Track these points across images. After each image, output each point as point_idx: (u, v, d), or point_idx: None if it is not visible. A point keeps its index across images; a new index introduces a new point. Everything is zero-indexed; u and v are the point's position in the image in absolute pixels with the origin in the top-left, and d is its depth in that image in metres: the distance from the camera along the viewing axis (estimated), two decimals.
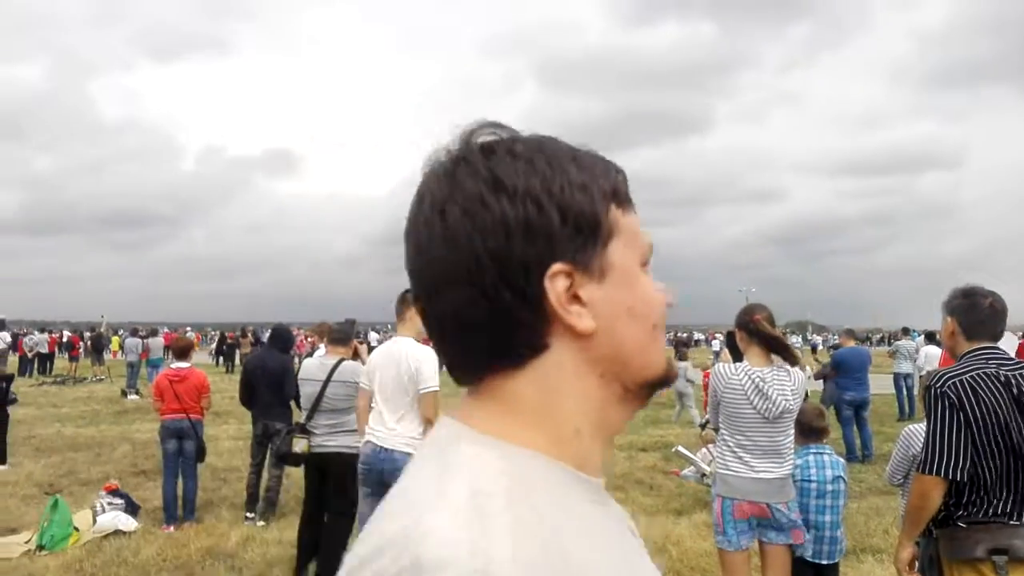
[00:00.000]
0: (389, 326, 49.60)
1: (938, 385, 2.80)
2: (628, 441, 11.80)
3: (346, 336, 5.81)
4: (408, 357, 4.40)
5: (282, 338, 8.04)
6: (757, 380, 3.58)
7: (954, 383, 2.77)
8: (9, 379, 10.22)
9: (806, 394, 3.95)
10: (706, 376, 15.34)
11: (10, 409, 10.06)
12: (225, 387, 18.30)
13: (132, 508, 7.16)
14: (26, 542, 6.39)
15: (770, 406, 3.55)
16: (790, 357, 3.70)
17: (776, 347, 3.69)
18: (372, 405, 4.54)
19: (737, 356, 3.93)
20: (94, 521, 6.82)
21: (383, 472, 4.27)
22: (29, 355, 26.04)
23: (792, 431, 3.69)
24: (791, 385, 3.61)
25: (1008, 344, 10.07)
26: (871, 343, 50.21)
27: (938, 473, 2.72)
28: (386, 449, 4.33)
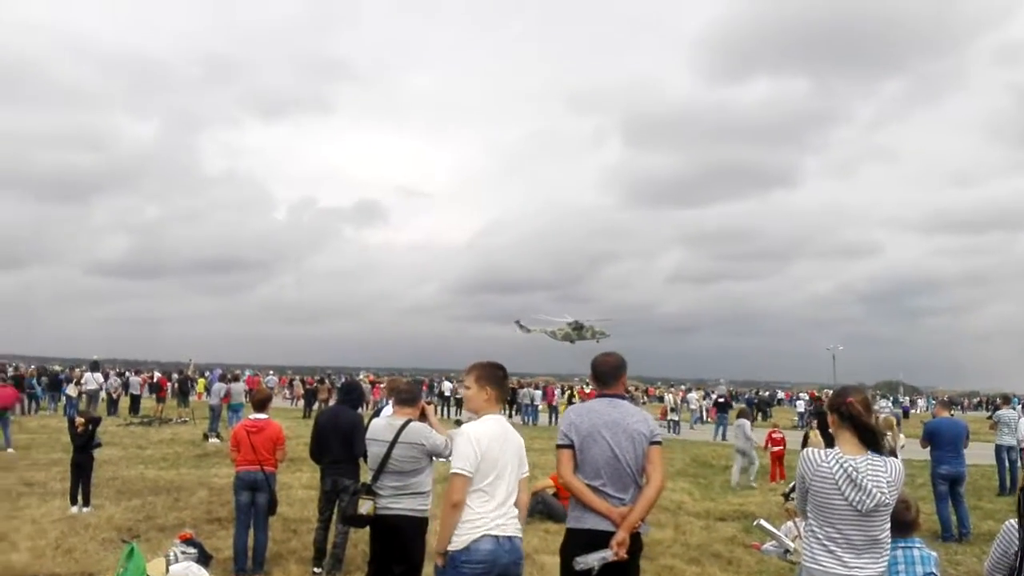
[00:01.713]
0: (464, 375, 49.79)
1: None
2: (705, 509, 11.38)
3: (414, 397, 5.77)
4: (517, 437, 4.22)
5: (352, 393, 8.08)
6: (850, 469, 3.32)
7: None
8: (96, 422, 10.57)
9: None
10: (771, 435, 15.09)
11: (95, 452, 10.40)
12: (302, 433, 18.55)
13: (204, 558, 7.23)
14: None
15: (864, 498, 3.28)
16: (876, 447, 3.43)
17: (866, 437, 3.43)
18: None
19: (828, 439, 3.68)
20: (167, 570, 6.90)
21: (507, 567, 3.95)
22: (114, 396, 26.84)
23: (888, 525, 3.41)
24: (887, 476, 3.34)
25: None
26: (965, 408, 47.67)
27: None
28: (510, 538, 3.98)
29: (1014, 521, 3.73)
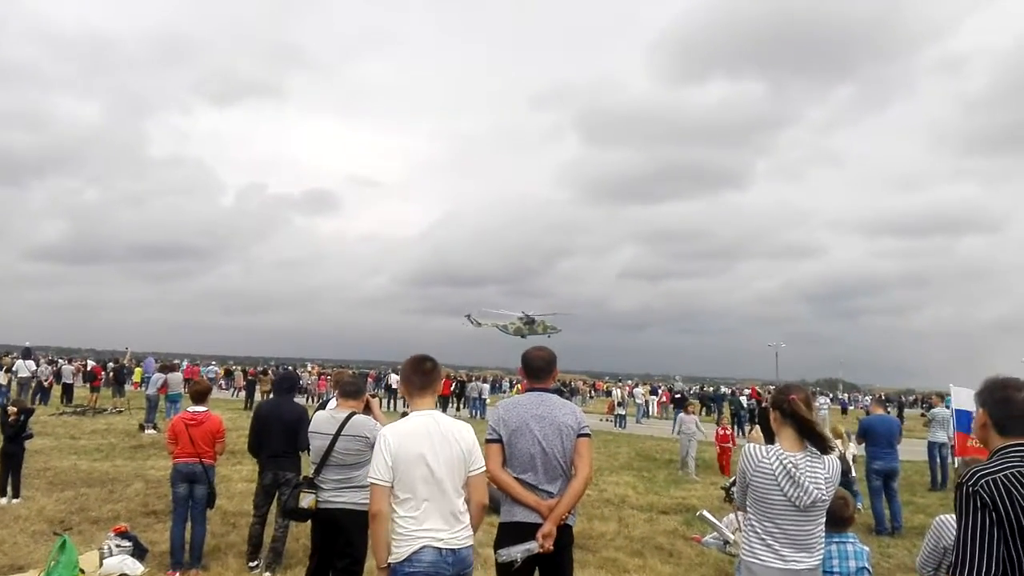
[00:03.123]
0: None
1: (970, 484, 2.64)
2: (649, 502, 11.52)
3: (358, 389, 5.70)
4: (457, 433, 3.79)
5: (286, 383, 7.94)
6: (789, 466, 3.38)
7: (986, 482, 2.62)
8: (29, 413, 10.22)
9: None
10: (721, 431, 15.53)
11: (27, 442, 10.05)
12: (243, 425, 18.21)
13: (140, 551, 7.05)
14: None
15: (801, 495, 3.34)
16: (822, 446, 3.49)
17: (808, 433, 3.49)
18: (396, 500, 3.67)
19: (769, 436, 3.72)
20: (100, 563, 6.72)
21: None
22: (45, 384, 25.91)
23: (823, 521, 3.48)
24: (824, 473, 3.41)
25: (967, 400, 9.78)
26: (903, 405, 49.24)
27: None
28: (453, 551, 3.62)
29: (946, 516, 3.84)
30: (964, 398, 10.31)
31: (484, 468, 3.89)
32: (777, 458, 3.41)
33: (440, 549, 3.60)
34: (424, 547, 3.59)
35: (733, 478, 11.73)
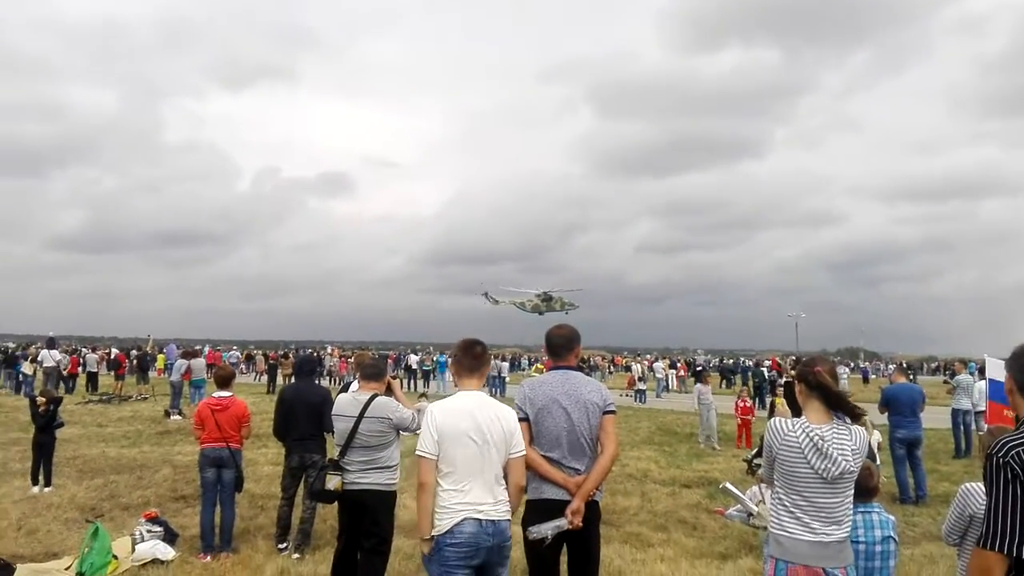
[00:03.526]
0: (431, 347, 49.73)
1: (1000, 454, 2.60)
2: (671, 476, 11.55)
3: (380, 372, 5.74)
4: (501, 414, 3.96)
5: (307, 366, 7.98)
6: (816, 438, 3.36)
7: (1016, 453, 2.58)
8: (58, 402, 10.37)
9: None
10: (741, 404, 15.58)
11: (57, 431, 10.21)
12: (267, 408, 18.40)
13: (171, 536, 7.16)
14: (67, 568, 6.43)
15: (829, 466, 3.33)
16: (851, 413, 3.48)
17: (835, 403, 3.47)
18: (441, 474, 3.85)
19: (795, 409, 3.70)
20: (133, 549, 6.83)
21: (491, 550, 3.80)
22: (64, 372, 26.08)
23: (852, 492, 3.46)
24: (852, 444, 3.39)
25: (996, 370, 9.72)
26: (923, 372, 48.92)
27: (1000, 549, 2.54)
28: (494, 522, 3.80)
29: (972, 484, 3.82)
30: (997, 368, 10.23)
31: (524, 452, 3.99)
32: (804, 431, 3.40)
33: (480, 520, 3.77)
34: (466, 519, 3.75)
35: (755, 450, 11.81)
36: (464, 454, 3.81)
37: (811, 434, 3.38)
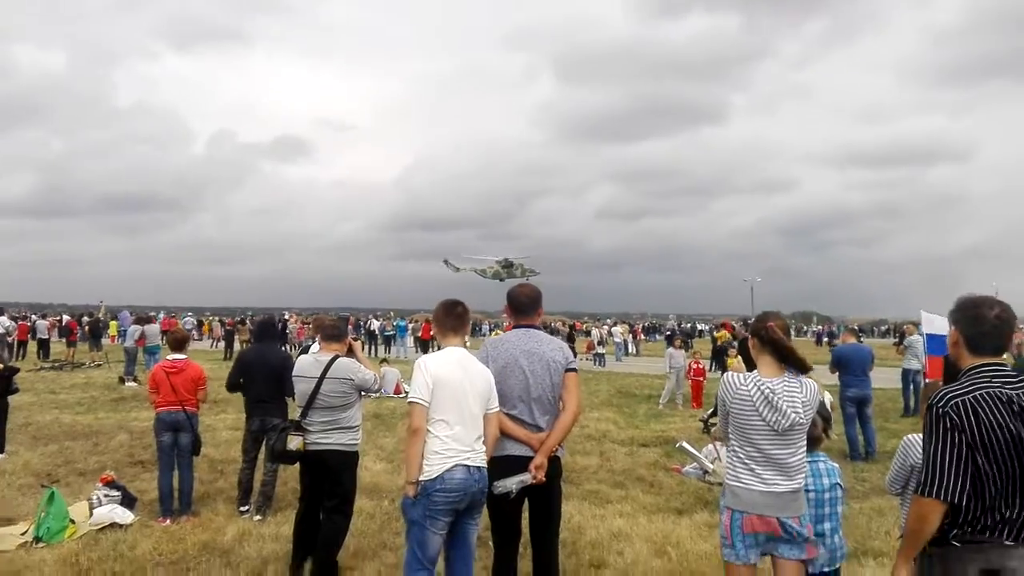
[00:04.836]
0: (391, 312, 49.54)
1: (940, 404, 2.71)
2: (629, 436, 11.76)
3: (340, 333, 5.72)
4: (484, 372, 4.18)
5: (269, 330, 7.90)
6: (766, 391, 3.46)
7: (956, 403, 2.69)
8: (13, 371, 10.14)
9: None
10: (691, 364, 15.96)
11: (10, 397, 10.00)
12: (223, 375, 18.21)
13: (129, 500, 7.10)
14: (23, 534, 6.34)
15: (779, 418, 3.44)
16: (801, 366, 3.58)
17: (785, 357, 3.57)
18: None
19: (750, 365, 3.79)
20: (90, 513, 6.76)
21: (475, 495, 3.99)
22: (9, 340, 25.40)
23: (804, 445, 3.58)
24: (802, 396, 3.49)
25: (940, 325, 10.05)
26: (873, 335, 50.16)
27: (937, 496, 2.66)
28: (479, 468, 3.99)
29: (914, 436, 3.96)
30: (936, 323, 10.52)
31: (498, 408, 4.13)
32: (755, 384, 3.50)
33: (469, 467, 3.94)
34: (456, 465, 3.91)
35: (711, 410, 12.05)
36: (455, 403, 3.97)
37: (762, 387, 3.48)
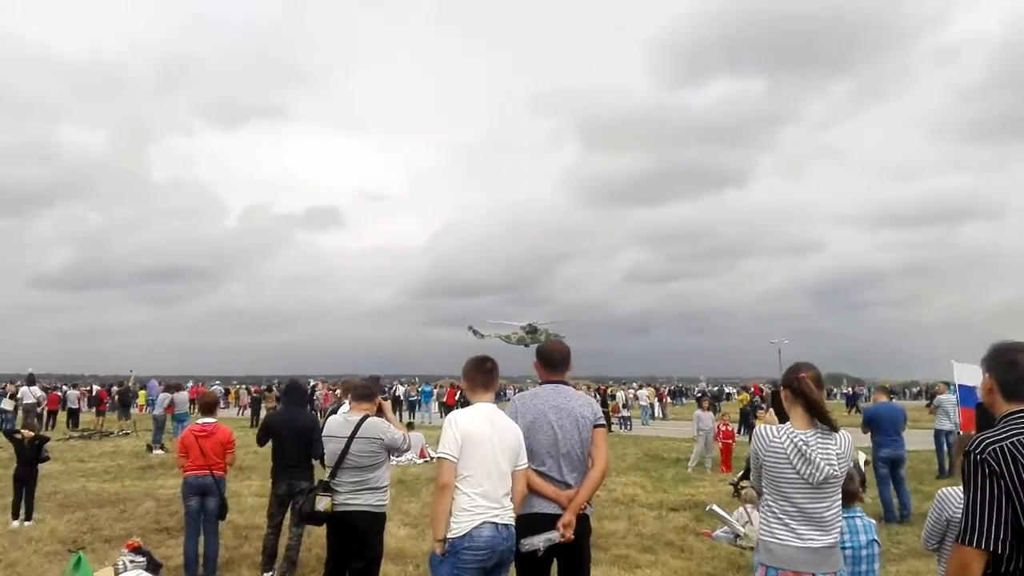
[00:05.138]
0: (416, 378, 49.45)
1: (977, 451, 2.66)
2: (658, 500, 11.55)
3: (370, 393, 5.76)
4: (514, 428, 4.15)
5: (295, 392, 7.94)
6: (800, 443, 3.39)
7: (993, 450, 2.63)
8: (44, 440, 10.26)
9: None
10: (720, 427, 15.77)
11: (40, 466, 10.09)
12: (250, 442, 18.18)
13: (154, 566, 7.08)
14: None
15: (813, 471, 3.35)
16: (829, 425, 3.48)
17: (814, 411, 3.49)
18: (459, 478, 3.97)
19: (783, 417, 3.72)
20: None
21: (503, 553, 3.93)
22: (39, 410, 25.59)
23: (839, 498, 3.50)
24: (836, 448, 3.43)
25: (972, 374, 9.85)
26: (905, 397, 49.08)
27: (978, 545, 2.59)
28: (507, 526, 3.94)
29: (949, 489, 3.88)
30: (967, 373, 10.34)
31: (526, 465, 4.11)
32: (788, 436, 3.44)
33: (497, 524, 3.90)
34: (484, 523, 3.87)
35: (740, 473, 11.84)
36: (484, 459, 3.94)
37: (795, 439, 3.43)
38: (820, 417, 3.51)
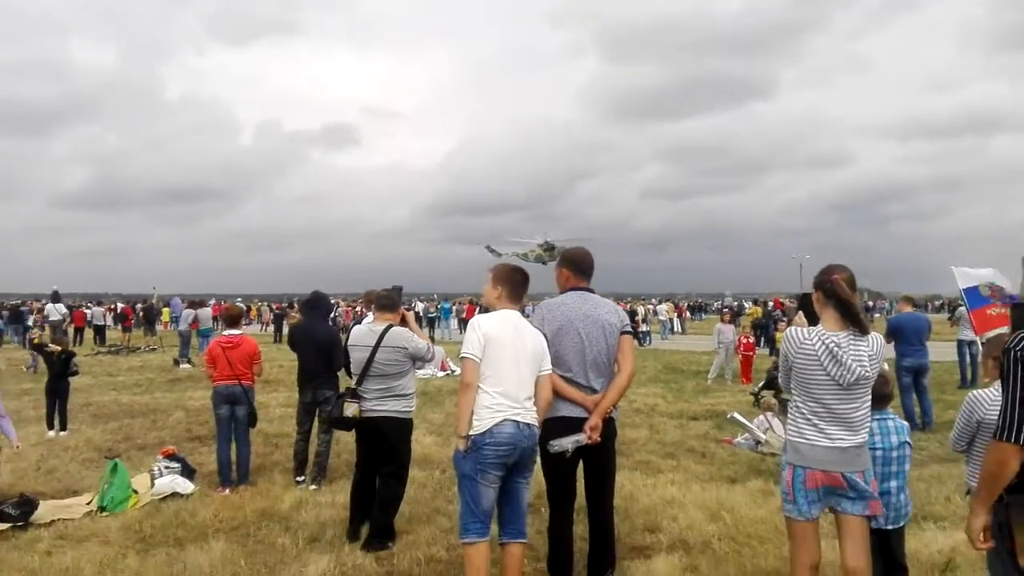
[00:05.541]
0: (435, 295, 49.82)
1: (1018, 348, 2.61)
2: (679, 410, 11.67)
3: (394, 303, 5.76)
4: (537, 334, 4.17)
5: (318, 305, 7.99)
6: (831, 345, 3.36)
7: None
8: (71, 355, 10.44)
9: None
10: (741, 340, 15.92)
11: (71, 379, 10.31)
12: (274, 356, 18.55)
13: (189, 472, 7.27)
14: (88, 503, 6.53)
15: (844, 372, 3.33)
16: (859, 326, 3.43)
17: (847, 313, 3.43)
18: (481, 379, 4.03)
19: (812, 320, 3.67)
20: (152, 484, 6.93)
21: (525, 451, 4.00)
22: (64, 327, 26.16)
23: (869, 399, 3.47)
24: (868, 350, 3.39)
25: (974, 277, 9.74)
26: (928, 310, 48.95)
27: (1017, 441, 2.57)
28: (529, 425, 4.00)
29: (978, 391, 3.85)
30: (969, 276, 10.27)
31: (550, 370, 4.13)
32: (819, 338, 3.40)
33: (518, 423, 3.95)
34: (505, 420, 3.92)
35: (761, 383, 11.91)
36: (505, 360, 3.98)
37: (826, 341, 3.39)
38: (852, 319, 3.46)
